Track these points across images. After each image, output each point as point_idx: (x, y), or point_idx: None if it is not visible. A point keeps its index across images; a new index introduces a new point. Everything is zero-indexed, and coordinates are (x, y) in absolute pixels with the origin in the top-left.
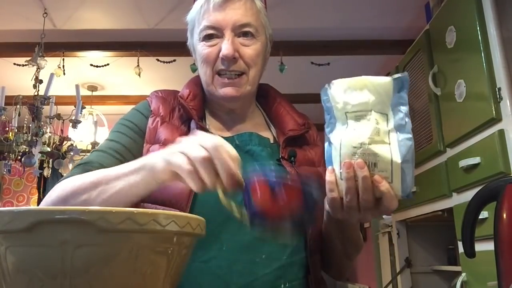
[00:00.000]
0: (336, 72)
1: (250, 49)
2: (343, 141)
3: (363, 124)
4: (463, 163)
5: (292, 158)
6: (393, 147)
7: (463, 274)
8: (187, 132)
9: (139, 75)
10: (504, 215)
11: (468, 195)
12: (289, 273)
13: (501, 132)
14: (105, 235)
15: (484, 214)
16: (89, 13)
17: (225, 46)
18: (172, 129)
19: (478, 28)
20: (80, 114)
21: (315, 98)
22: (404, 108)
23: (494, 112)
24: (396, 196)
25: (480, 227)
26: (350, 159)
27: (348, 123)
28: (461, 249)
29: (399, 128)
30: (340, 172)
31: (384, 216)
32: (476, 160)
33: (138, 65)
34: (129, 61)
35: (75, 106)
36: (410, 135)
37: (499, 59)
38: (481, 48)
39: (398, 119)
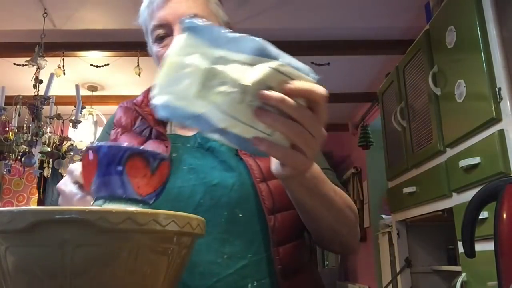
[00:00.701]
0: (336, 72)
1: None
2: (229, 111)
3: (223, 81)
4: (463, 163)
5: None
6: (258, 64)
7: (463, 274)
8: (148, 138)
9: (139, 75)
10: (504, 215)
11: (468, 195)
12: (257, 271)
13: (501, 132)
14: (105, 235)
15: (484, 214)
16: (89, 13)
17: (173, 42)
18: (131, 138)
19: (478, 28)
20: (80, 114)
21: None
22: (219, 33)
23: (494, 112)
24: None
25: (480, 227)
26: (254, 110)
27: (211, 98)
28: (461, 249)
29: (234, 47)
30: (263, 131)
31: (384, 216)
32: (476, 160)
33: (138, 65)
34: (129, 61)
35: (75, 106)
36: (247, 37)
37: (499, 59)
38: (481, 48)
39: (226, 45)
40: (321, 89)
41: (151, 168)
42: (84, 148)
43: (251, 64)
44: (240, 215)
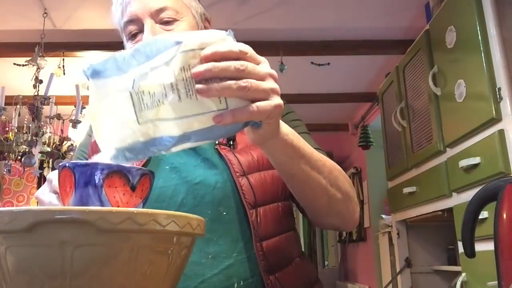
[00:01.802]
0: (336, 72)
1: (174, 32)
2: (177, 114)
3: (153, 93)
4: (463, 163)
5: (231, 142)
6: (171, 57)
7: (463, 274)
8: None
9: None
10: (504, 215)
11: (468, 195)
12: (243, 270)
13: (501, 132)
14: (105, 235)
15: (484, 214)
16: (89, 13)
17: (145, 35)
18: None
19: (478, 28)
20: (80, 114)
21: (315, 98)
22: (121, 57)
23: (494, 112)
24: (224, 39)
25: (480, 227)
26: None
27: (153, 115)
28: (461, 249)
29: (142, 58)
30: (218, 110)
31: (384, 216)
32: (476, 160)
33: None
34: None
35: (75, 106)
36: (146, 43)
37: (499, 59)
38: (481, 48)
39: (134, 62)
40: (235, 44)
41: (131, 185)
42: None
43: (166, 61)
44: (224, 213)
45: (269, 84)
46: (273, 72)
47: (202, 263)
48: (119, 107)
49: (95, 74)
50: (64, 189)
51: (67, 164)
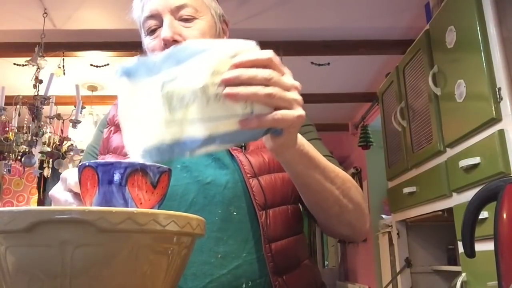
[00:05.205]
0: (336, 72)
1: (193, 29)
2: (203, 116)
3: (182, 96)
4: (463, 163)
5: (243, 144)
6: (200, 62)
7: (463, 274)
8: None
9: None
10: (504, 215)
11: (468, 195)
12: (251, 271)
13: (501, 132)
14: (105, 235)
15: (484, 214)
16: (89, 13)
17: (163, 30)
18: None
19: (478, 28)
20: (80, 114)
21: (315, 98)
22: (152, 60)
23: (494, 112)
24: (254, 48)
25: (480, 227)
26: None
27: (180, 116)
28: (461, 249)
29: (172, 62)
30: (243, 114)
31: (384, 216)
32: (476, 160)
33: None
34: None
35: (75, 106)
36: (177, 48)
37: (499, 59)
38: (481, 48)
39: (165, 65)
40: (263, 53)
41: (152, 182)
42: (82, 159)
43: (197, 67)
44: (235, 213)
45: (293, 95)
46: (298, 84)
47: (211, 262)
48: (148, 108)
49: (126, 75)
50: (86, 188)
51: (88, 163)
